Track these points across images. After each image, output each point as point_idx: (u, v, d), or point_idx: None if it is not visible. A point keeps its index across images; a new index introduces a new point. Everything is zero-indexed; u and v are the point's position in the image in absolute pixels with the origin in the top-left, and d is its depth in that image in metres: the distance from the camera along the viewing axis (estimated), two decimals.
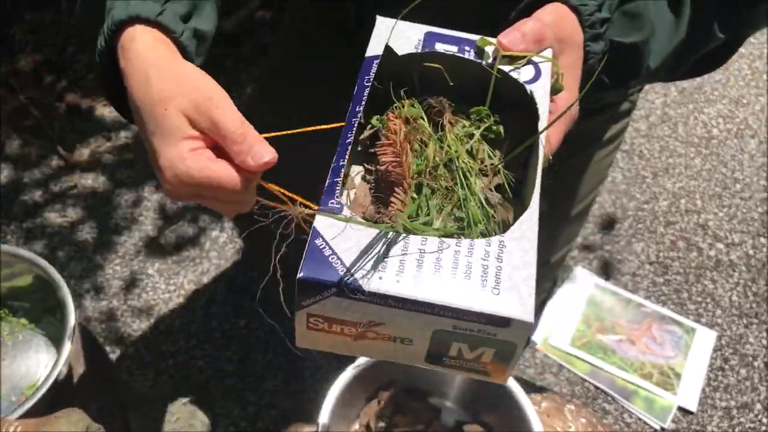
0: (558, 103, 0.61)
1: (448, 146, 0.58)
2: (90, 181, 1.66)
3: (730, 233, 1.61)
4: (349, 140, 0.55)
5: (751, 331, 1.46)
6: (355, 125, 0.56)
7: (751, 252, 1.58)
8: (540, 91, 0.58)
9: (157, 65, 0.58)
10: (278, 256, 0.50)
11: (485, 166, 0.57)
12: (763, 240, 1.60)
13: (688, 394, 1.37)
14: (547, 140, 0.59)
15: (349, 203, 0.57)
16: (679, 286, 1.53)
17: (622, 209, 1.65)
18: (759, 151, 1.77)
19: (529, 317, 0.45)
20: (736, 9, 0.72)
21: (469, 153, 0.58)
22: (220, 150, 0.55)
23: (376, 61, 0.60)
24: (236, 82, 1.84)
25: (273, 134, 0.59)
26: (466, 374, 0.51)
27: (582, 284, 1.52)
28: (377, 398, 1.08)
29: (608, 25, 0.65)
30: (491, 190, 0.56)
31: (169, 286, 1.49)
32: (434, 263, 0.47)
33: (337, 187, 0.51)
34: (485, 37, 0.61)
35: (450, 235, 0.51)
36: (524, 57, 0.59)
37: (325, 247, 0.47)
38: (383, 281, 0.46)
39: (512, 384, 1.02)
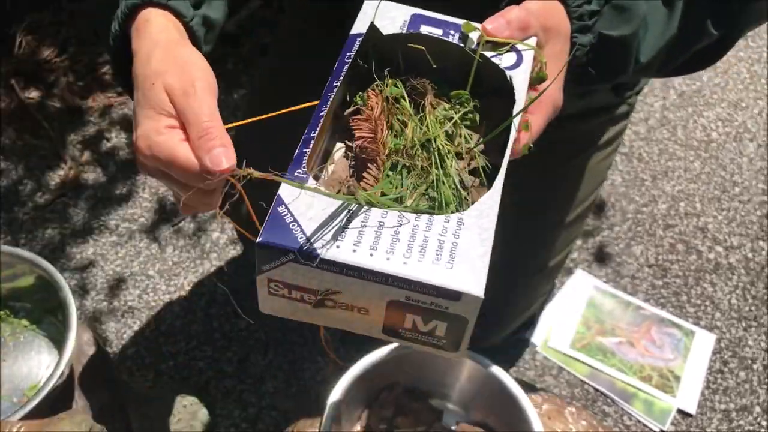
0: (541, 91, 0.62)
1: (427, 127, 0.58)
2: (90, 181, 1.66)
3: (729, 236, 1.62)
4: (322, 113, 0.56)
5: (750, 334, 1.47)
6: (330, 99, 0.56)
7: (749, 255, 1.59)
8: (519, 77, 0.59)
9: (163, 46, 0.60)
10: (223, 210, 0.51)
11: (462, 149, 0.58)
12: (761, 243, 1.61)
13: (688, 396, 1.38)
14: (529, 128, 0.60)
15: (326, 178, 0.58)
16: (679, 289, 1.53)
17: (621, 212, 1.65)
18: (757, 155, 1.78)
19: (479, 292, 0.46)
20: (729, 5, 0.72)
21: (448, 135, 0.59)
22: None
23: (358, 39, 0.61)
24: (236, 83, 1.84)
25: (240, 123, 0.60)
26: (422, 348, 0.52)
27: (582, 286, 1.52)
28: (379, 400, 1.08)
29: (597, 17, 0.66)
30: (467, 173, 0.57)
31: (169, 287, 1.49)
32: (392, 236, 0.48)
33: (305, 158, 0.52)
34: (470, 22, 0.61)
35: (418, 213, 0.52)
36: (508, 44, 0.60)
37: (286, 215, 0.48)
38: (340, 250, 0.47)
39: (513, 386, 1.03)
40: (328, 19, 0.98)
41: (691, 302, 1.51)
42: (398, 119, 0.60)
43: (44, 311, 1.06)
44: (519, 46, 0.61)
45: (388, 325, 0.51)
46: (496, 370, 1.03)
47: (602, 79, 0.71)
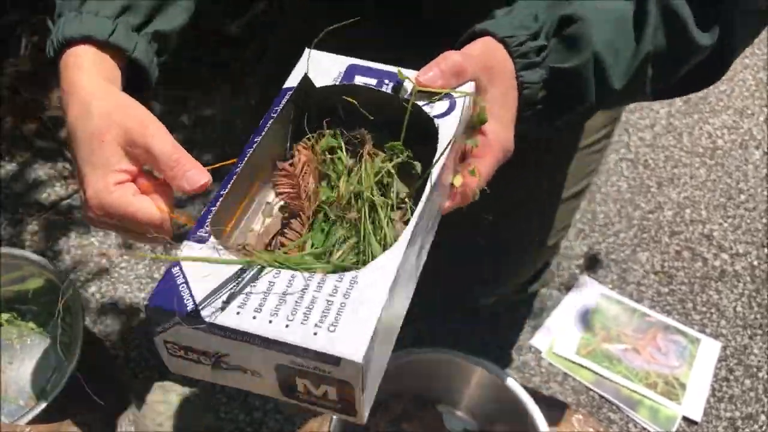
0: (488, 136, 0.61)
1: (359, 180, 0.58)
2: None
3: (734, 244, 1.62)
4: (236, 171, 0.55)
5: (756, 342, 1.47)
6: (248, 156, 0.56)
7: (755, 263, 1.59)
8: (447, 125, 0.58)
9: (99, 97, 0.60)
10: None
11: (396, 199, 0.58)
12: (767, 251, 1.60)
13: (693, 404, 1.37)
14: (477, 173, 0.60)
15: (261, 231, 0.59)
16: (684, 296, 1.53)
17: (627, 218, 1.65)
18: (763, 162, 1.78)
19: (358, 357, 0.45)
20: (717, 11, 0.68)
21: (384, 186, 0.58)
22: (153, 179, 0.58)
23: (288, 93, 0.61)
24: (241, 86, 1.84)
25: (214, 166, 0.60)
26: (324, 411, 0.51)
27: (587, 293, 1.52)
28: (386, 406, 1.08)
29: (546, 52, 0.64)
30: (404, 223, 0.56)
31: None
32: (279, 298, 0.47)
33: (209, 217, 0.52)
34: (403, 71, 0.61)
35: (340, 269, 0.51)
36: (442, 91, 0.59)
37: (179, 275, 0.48)
38: (225, 313, 0.47)
39: (521, 393, 1.02)
40: (328, 19, 0.98)
41: (697, 309, 1.51)
42: (334, 171, 0.60)
43: (51, 314, 1.06)
44: (454, 94, 0.60)
45: (284, 388, 0.50)
46: (505, 377, 1.03)
47: (560, 113, 0.68)
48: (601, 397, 1.38)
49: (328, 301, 0.47)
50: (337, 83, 0.62)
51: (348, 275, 0.49)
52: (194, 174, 0.56)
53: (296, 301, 0.47)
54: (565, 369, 1.41)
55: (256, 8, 2.01)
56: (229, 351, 0.48)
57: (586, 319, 1.48)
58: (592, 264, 1.57)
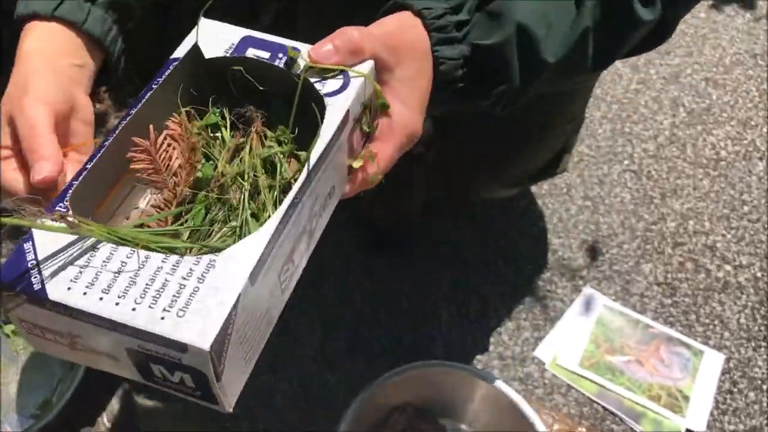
0: (393, 119, 0.59)
1: (241, 160, 0.56)
2: None
3: (738, 255, 1.62)
4: (106, 142, 0.54)
5: (760, 354, 1.47)
6: (117, 130, 0.55)
7: (758, 274, 1.59)
8: (336, 105, 0.56)
9: (15, 78, 0.59)
10: None
11: (283, 181, 0.56)
12: None
13: (697, 416, 1.37)
14: (376, 158, 0.58)
15: (146, 207, 0.58)
16: (687, 308, 1.53)
17: (630, 230, 1.65)
18: (766, 174, 1.78)
19: (205, 345, 0.42)
20: None
21: (273, 165, 0.57)
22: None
23: (173, 64, 0.58)
24: None
25: (72, 147, 0.60)
26: (186, 398, 0.48)
27: (591, 304, 1.52)
28: (390, 421, 1.08)
29: (468, 27, 0.61)
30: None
31: None
32: (130, 278, 0.45)
33: (69, 191, 0.50)
34: (294, 48, 0.58)
35: (206, 249, 0.49)
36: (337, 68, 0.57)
37: (30, 252, 0.46)
38: (71, 292, 0.44)
39: (525, 407, 1.03)
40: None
41: (700, 321, 1.51)
42: (217, 148, 0.58)
43: None
44: (350, 72, 0.57)
45: (142, 372, 0.47)
46: (509, 391, 1.03)
47: (484, 93, 0.66)
48: (605, 409, 1.38)
49: (180, 284, 0.45)
50: (228, 55, 0.59)
51: (206, 258, 0.46)
52: (41, 166, 0.54)
53: (147, 283, 0.45)
54: (569, 381, 1.41)
55: (262, 22, 2.02)
56: (79, 333, 0.46)
57: (590, 330, 1.48)
58: (596, 275, 1.57)
